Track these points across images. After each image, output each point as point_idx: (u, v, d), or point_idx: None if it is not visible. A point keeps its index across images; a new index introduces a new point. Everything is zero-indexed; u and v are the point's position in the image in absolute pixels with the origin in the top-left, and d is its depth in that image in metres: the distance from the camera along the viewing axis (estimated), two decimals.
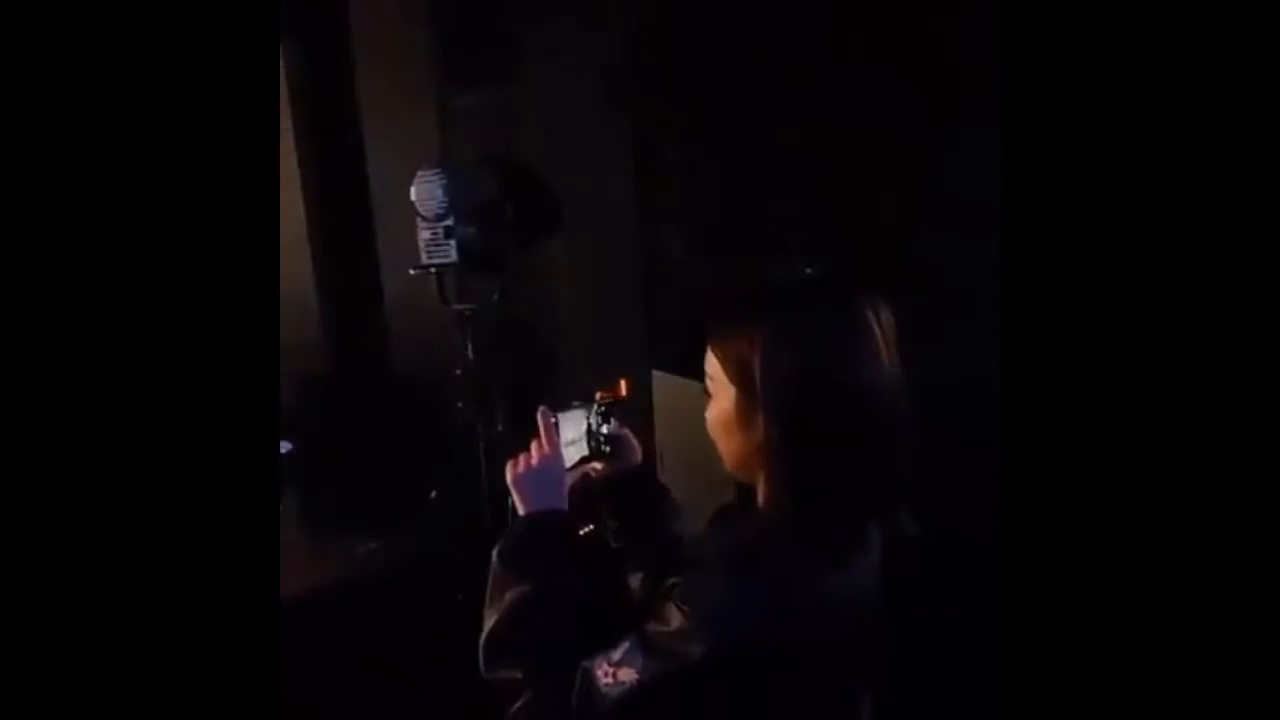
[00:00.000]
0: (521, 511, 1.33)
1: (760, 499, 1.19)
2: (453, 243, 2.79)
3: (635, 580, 1.44)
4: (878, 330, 1.11)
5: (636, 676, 1.06)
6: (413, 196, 2.86)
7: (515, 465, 1.38)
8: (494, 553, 1.27)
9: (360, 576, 3.71)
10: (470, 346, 2.77)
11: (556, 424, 1.42)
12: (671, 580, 1.11)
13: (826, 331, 1.11)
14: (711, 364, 1.19)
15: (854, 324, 1.10)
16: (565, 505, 1.36)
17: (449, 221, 2.80)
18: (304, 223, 4.64)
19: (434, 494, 4.30)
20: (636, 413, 2.07)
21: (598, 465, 1.57)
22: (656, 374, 3.20)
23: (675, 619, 1.06)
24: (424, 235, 2.83)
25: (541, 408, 1.40)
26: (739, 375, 1.14)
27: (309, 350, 4.81)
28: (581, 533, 1.34)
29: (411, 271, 2.91)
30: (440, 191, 2.79)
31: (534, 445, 1.39)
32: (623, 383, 1.72)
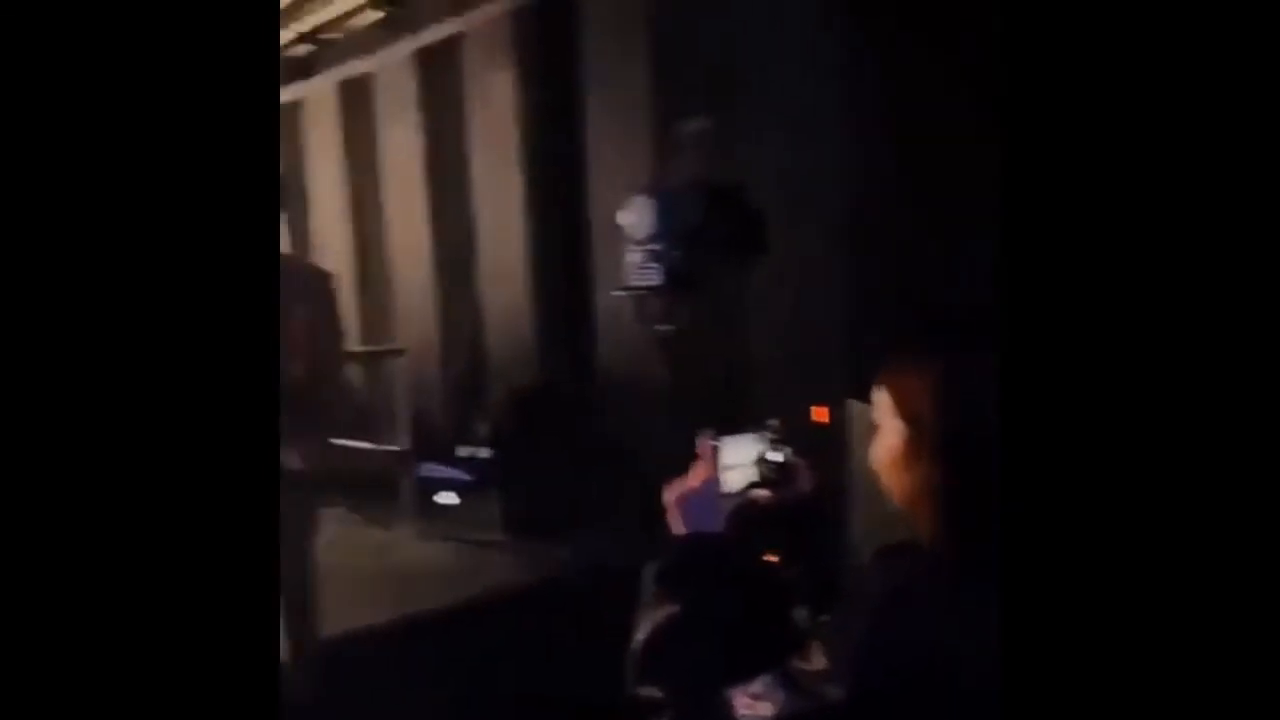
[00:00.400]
0: (678, 533, 1.35)
1: (924, 538, 1.17)
2: (658, 266, 2.88)
3: (790, 613, 1.44)
4: None
5: (774, 712, 1.05)
6: (623, 220, 2.98)
7: (676, 486, 1.41)
8: (649, 571, 1.30)
9: (552, 580, 3.86)
10: (669, 368, 2.85)
11: (719, 448, 1.43)
12: (823, 618, 1.10)
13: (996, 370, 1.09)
14: (881, 399, 1.19)
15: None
16: (722, 530, 1.37)
17: (656, 245, 2.90)
18: (523, 242, 4.93)
19: (625, 511, 4.44)
20: (829, 442, 2.05)
21: (765, 492, 1.58)
22: (853, 403, 3.17)
23: (819, 659, 1.05)
24: (631, 257, 2.94)
25: (705, 431, 1.42)
26: (909, 412, 1.13)
27: (520, 363, 5.08)
28: (738, 559, 1.35)
29: (614, 293, 3.02)
30: (650, 215, 2.89)
31: (695, 468, 1.42)
32: (815, 410, 1.71)
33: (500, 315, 5.22)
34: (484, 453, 2.64)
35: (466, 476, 2.51)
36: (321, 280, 2.80)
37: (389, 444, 5.08)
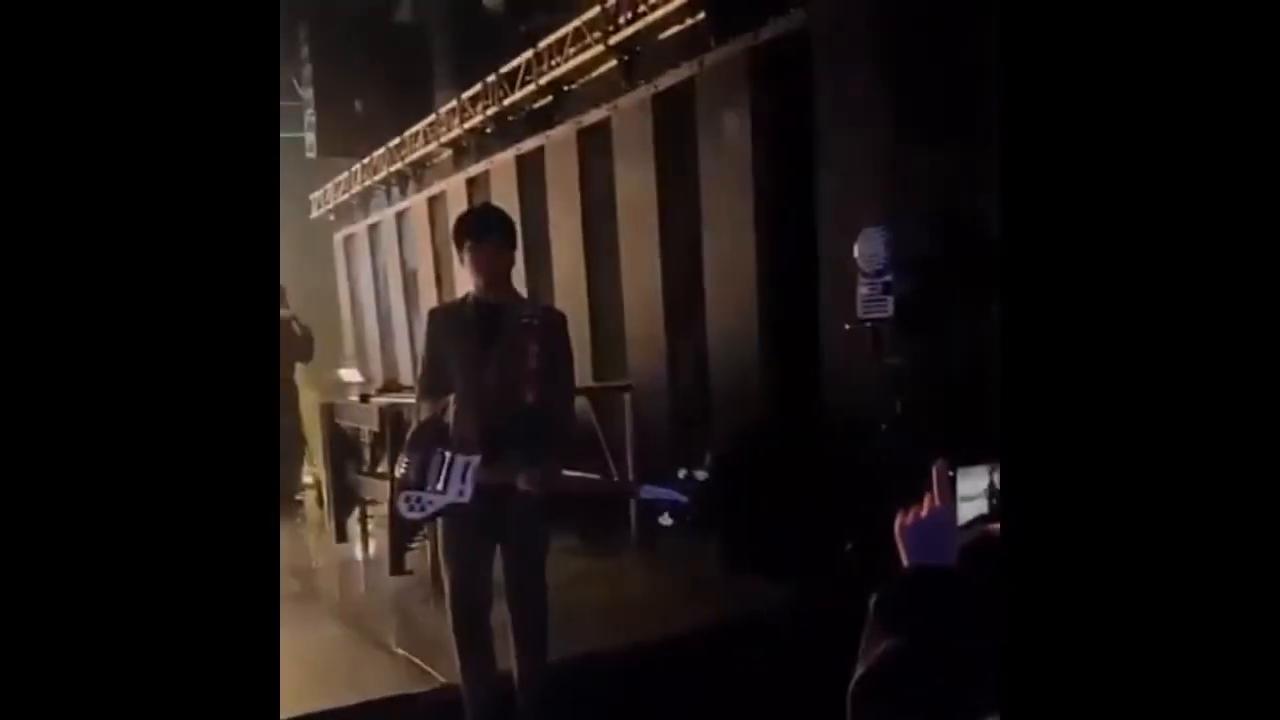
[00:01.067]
0: (905, 563, 1.31)
1: None
2: (890, 298, 2.83)
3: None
4: None
5: None
6: (855, 252, 2.94)
7: (905, 515, 1.36)
8: (870, 601, 1.26)
9: (774, 613, 3.81)
10: (899, 400, 2.77)
11: (954, 478, 1.37)
12: None
13: None
14: None
15: None
16: (953, 561, 1.31)
17: (888, 278, 2.84)
18: (754, 276, 4.95)
19: (849, 546, 4.31)
20: None
21: (997, 526, 1.49)
22: None
23: None
24: (863, 290, 2.90)
25: (939, 460, 1.37)
26: None
27: (748, 397, 5.08)
28: (967, 593, 1.28)
29: (847, 327, 2.98)
30: (882, 247, 2.85)
31: (927, 497, 1.37)
32: None
33: (729, 350, 5.25)
34: (700, 474, 2.66)
35: (681, 497, 2.52)
36: (556, 319, 3.01)
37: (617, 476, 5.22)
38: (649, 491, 2.58)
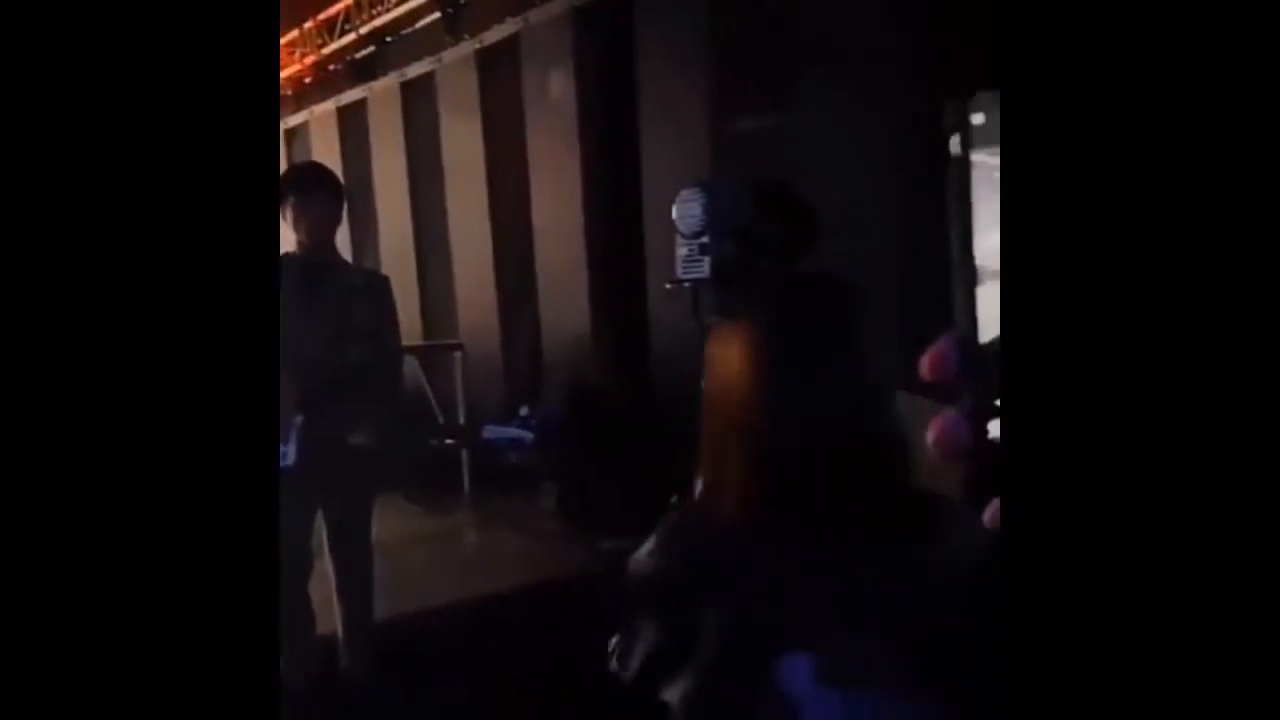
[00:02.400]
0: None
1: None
2: (707, 259, 2.92)
3: None
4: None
5: None
6: (674, 214, 3.03)
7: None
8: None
9: (605, 572, 3.92)
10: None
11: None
12: None
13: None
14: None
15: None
16: None
17: (705, 239, 2.93)
18: (583, 234, 5.00)
19: (674, 499, 4.47)
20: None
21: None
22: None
23: None
24: (681, 251, 2.98)
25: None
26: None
27: (575, 354, 5.16)
28: None
29: (668, 286, 3.06)
30: (699, 209, 2.93)
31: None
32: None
33: (556, 309, 5.30)
34: (542, 411, 2.74)
35: (526, 434, 2.59)
36: (379, 282, 2.98)
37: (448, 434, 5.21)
38: (492, 431, 2.61)
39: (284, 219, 2.79)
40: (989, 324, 0.87)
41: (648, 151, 4.61)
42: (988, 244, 0.82)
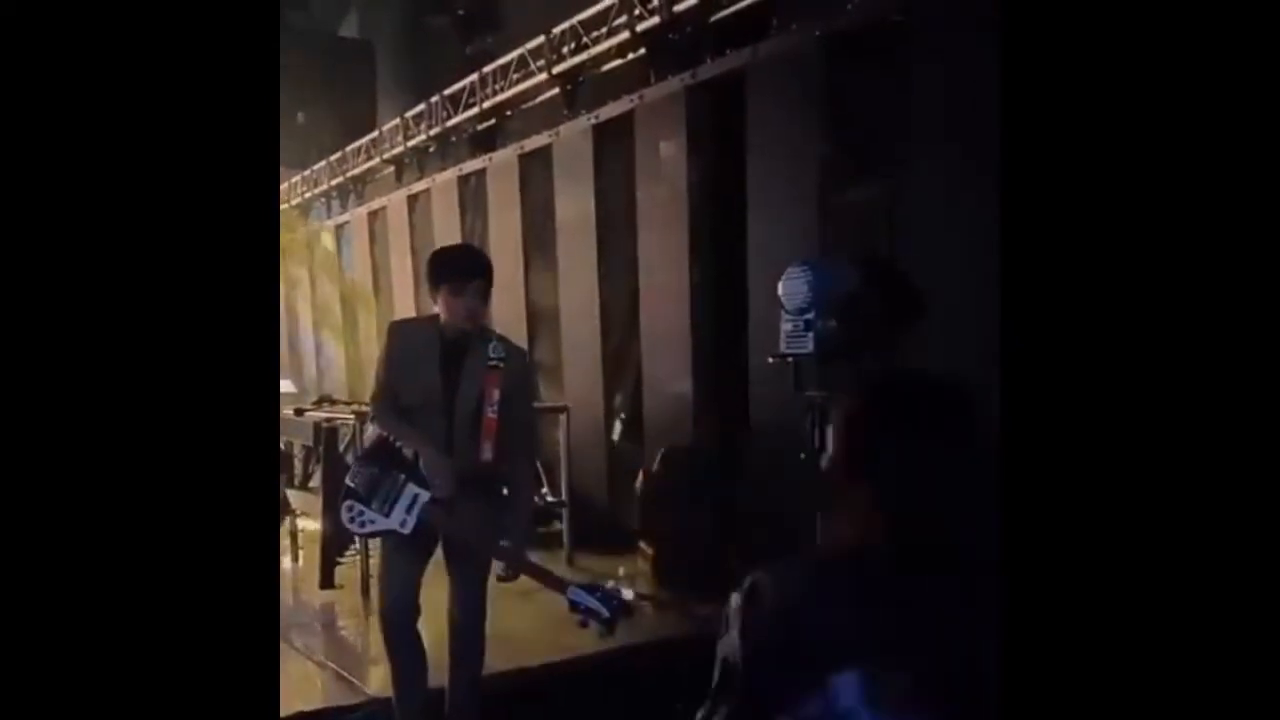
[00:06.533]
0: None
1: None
2: (810, 335, 3.00)
3: None
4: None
5: None
6: (780, 290, 3.11)
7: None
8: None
9: (697, 633, 3.94)
10: (817, 433, 2.93)
11: None
12: None
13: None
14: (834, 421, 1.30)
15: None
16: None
17: (810, 315, 3.01)
18: (689, 312, 5.11)
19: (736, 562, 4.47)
20: None
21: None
22: None
23: None
24: (785, 326, 3.06)
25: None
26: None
27: (678, 424, 5.24)
28: None
29: (770, 360, 3.14)
30: (805, 287, 3.02)
31: None
32: None
33: (663, 376, 5.40)
34: (627, 594, 2.77)
35: (604, 611, 2.62)
36: (519, 359, 2.98)
37: (551, 496, 5.33)
38: (575, 594, 2.64)
39: (434, 301, 2.83)
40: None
41: (755, 225, 4.71)
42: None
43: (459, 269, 2.82)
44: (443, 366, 2.80)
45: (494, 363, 2.80)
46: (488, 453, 2.77)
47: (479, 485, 2.79)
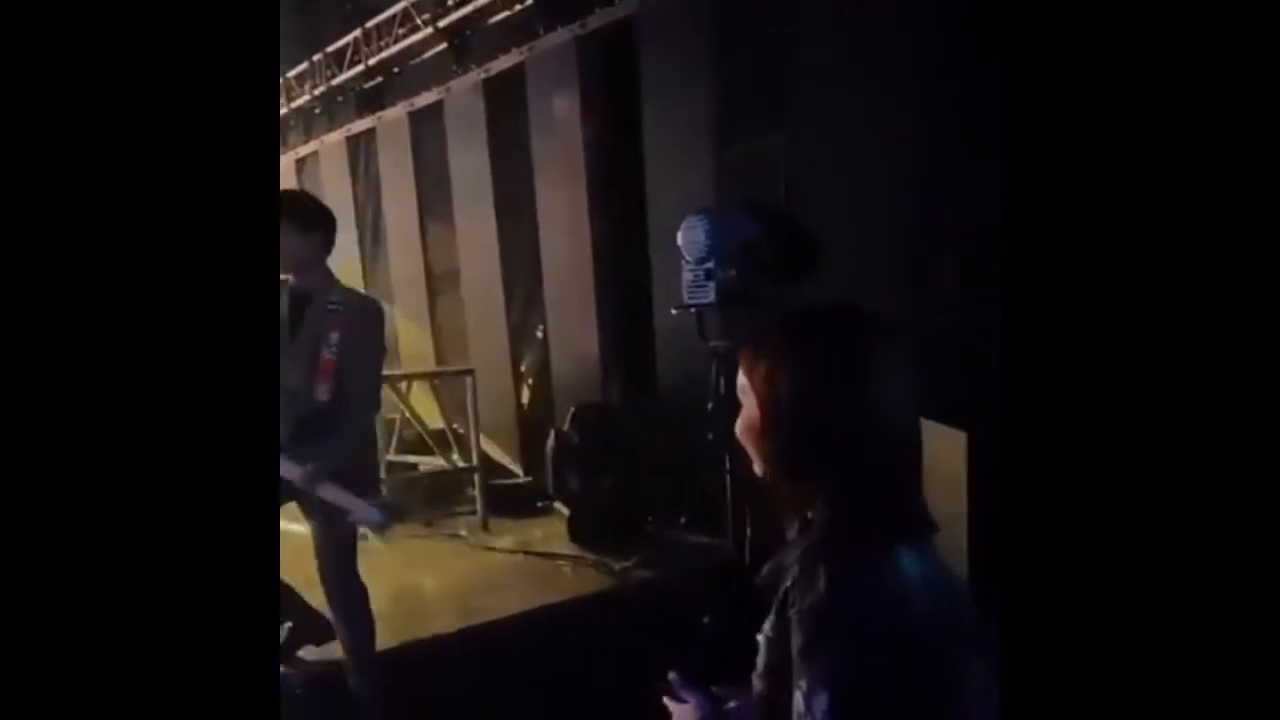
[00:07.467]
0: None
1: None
2: (712, 284, 2.98)
3: None
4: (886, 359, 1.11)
5: None
6: (679, 241, 3.08)
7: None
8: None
9: (617, 590, 3.96)
10: (723, 381, 2.93)
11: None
12: None
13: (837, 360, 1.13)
14: (742, 378, 1.22)
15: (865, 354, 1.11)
16: None
17: (710, 264, 2.99)
18: (591, 268, 5.06)
19: (683, 520, 4.53)
20: None
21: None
22: None
23: None
24: (686, 277, 3.04)
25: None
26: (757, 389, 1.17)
27: (584, 379, 5.21)
28: None
29: (674, 310, 3.11)
30: (703, 236, 2.99)
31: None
32: None
33: (564, 333, 5.36)
34: (391, 503, 2.84)
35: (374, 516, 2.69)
36: (365, 305, 2.94)
37: (461, 460, 5.26)
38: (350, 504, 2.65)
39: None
40: None
41: (652, 177, 4.67)
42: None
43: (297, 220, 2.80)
44: (286, 319, 2.76)
45: (334, 307, 2.80)
46: (324, 393, 2.73)
47: (317, 427, 2.72)
